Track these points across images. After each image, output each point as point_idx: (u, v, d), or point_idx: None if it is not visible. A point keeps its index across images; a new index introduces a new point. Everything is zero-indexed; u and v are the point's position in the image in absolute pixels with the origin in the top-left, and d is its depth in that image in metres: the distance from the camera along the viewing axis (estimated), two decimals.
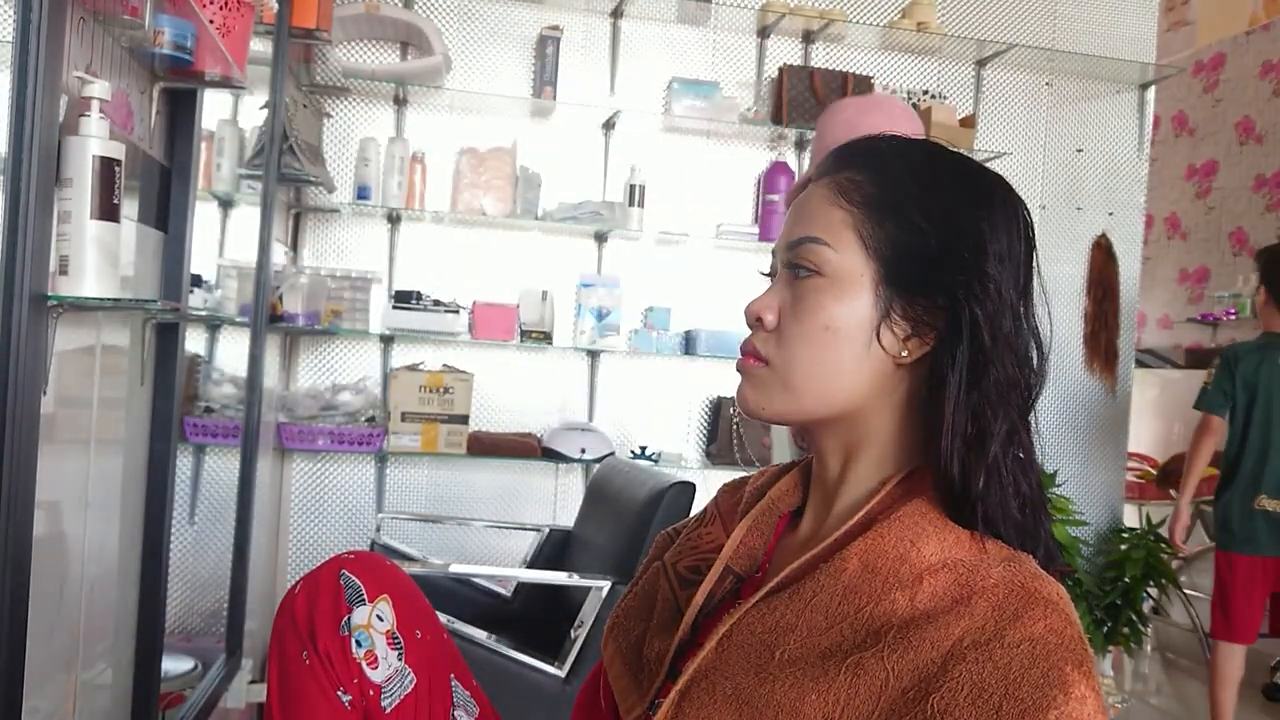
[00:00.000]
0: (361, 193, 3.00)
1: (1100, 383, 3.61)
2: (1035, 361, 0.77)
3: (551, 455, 3.06)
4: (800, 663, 0.71)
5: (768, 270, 0.85)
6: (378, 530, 2.91)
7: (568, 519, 2.86)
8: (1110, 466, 3.65)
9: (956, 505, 0.74)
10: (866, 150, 0.81)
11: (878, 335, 0.76)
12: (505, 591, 2.57)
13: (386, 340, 3.12)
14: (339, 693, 1.02)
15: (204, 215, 2.13)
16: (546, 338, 3.08)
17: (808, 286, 0.78)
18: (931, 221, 0.76)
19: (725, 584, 0.86)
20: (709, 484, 2.93)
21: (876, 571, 0.72)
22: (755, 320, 0.81)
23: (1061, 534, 3.27)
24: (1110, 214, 3.63)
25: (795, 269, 0.79)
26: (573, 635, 2.05)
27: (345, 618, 1.03)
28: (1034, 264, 0.79)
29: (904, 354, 0.77)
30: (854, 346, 0.77)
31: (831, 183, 0.80)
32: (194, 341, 2.52)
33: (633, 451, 3.18)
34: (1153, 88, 3.62)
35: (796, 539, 0.85)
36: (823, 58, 3.38)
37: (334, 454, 3.06)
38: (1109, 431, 3.64)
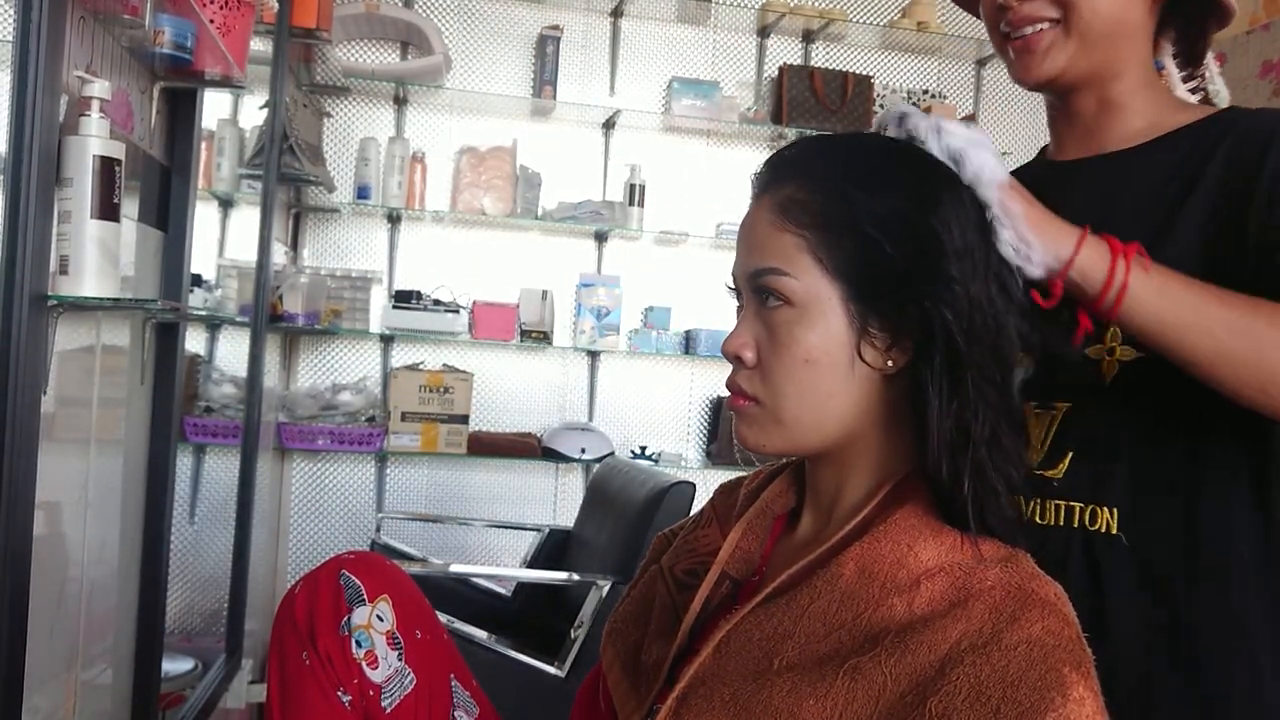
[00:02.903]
0: (361, 192, 3.00)
1: None
2: (1020, 341, 0.76)
3: (551, 455, 3.06)
4: (798, 669, 0.71)
5: (732, 285, 0.84)
6: (378, 530, 2.91)
7: (568, 519, 2.86)
8: None
9: (948, 508, 0.74)
10: (799, 159, 0.79)
11: (859, 353, 0.75)
12: (505, 591, 2.57)
13: (386, 340, 3.12)
14: (339, 693, 1.02)
15: (204, 215, 2.13)
16: (546, 338, 3.08)
17: (779, 319, 0.76)
18: (883, 231, 0.74)
19: (722, 589, 0.85)
20: (709, 484, 2.92)
21: (873, 577, 0.72)
22: (735, 359, 0.80)
23: None
24: None
25: (762, 299, 0.78)
26: (573, 635, 2.05)
27: (345, 618, 1.03)
28: (993, 244, 0.77)
29: (889, 364, 0.76)
30: (837, 371, 0.75)
31: (772, 203, 0.78)
32: (194, 341, 2.52)
33: (633, 451, 3.18)
34: None
35: (793, 542, 0.84)
36: (823, 57, 3.38)
37: (334, 454, 3.06)
38: None
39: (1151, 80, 0.96)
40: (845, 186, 0.76)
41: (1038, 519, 0.92)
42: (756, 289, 0.78)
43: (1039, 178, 0.94)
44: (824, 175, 0.77)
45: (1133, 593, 0.87)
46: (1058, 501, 0.91)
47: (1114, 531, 0.88)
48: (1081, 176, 0.96)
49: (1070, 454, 0.91)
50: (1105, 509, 0.89)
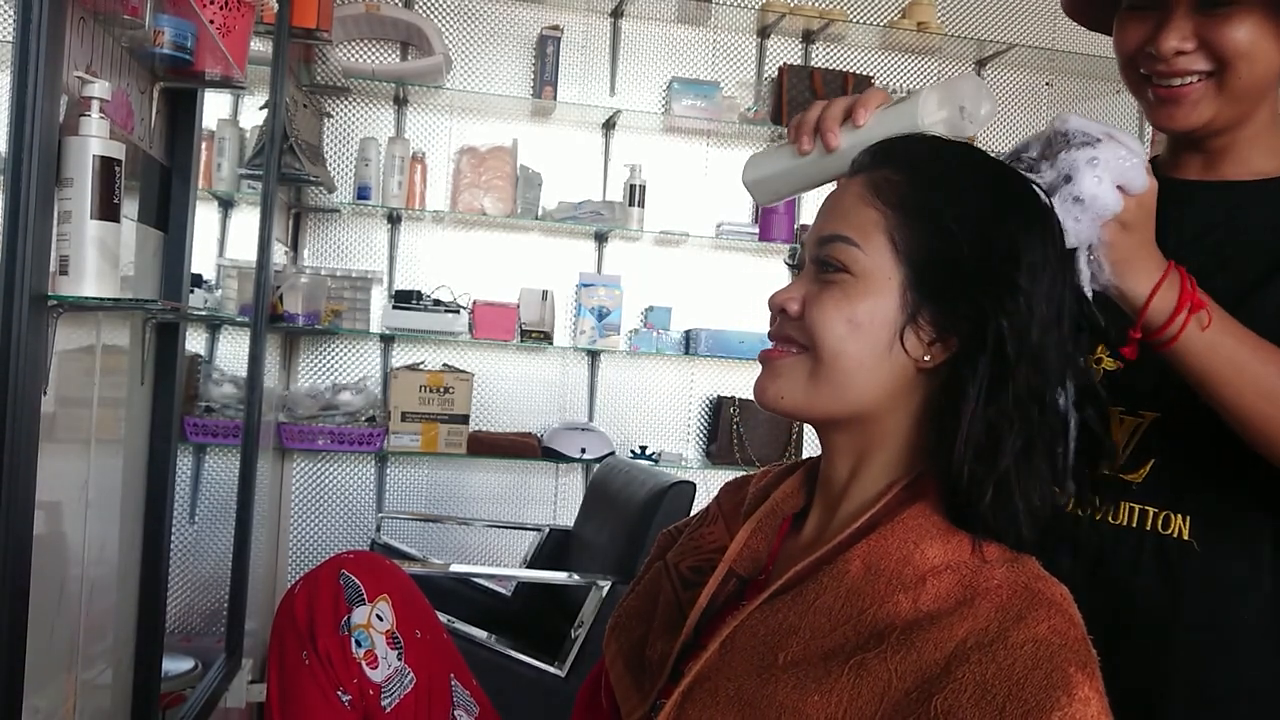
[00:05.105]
0: (361, 193, 3.00)
1: None
2: (1070, 375, 0.75)
3: (551, 455, 3.06)
4: (803, 664, 0.71)
5: (794, 261, 0.84)
6: (378, 530, 2.91)
7: (568, 519, 2.86)
8: None
9: (960, 511, 0.73)
10: (904, 149, 0.80)
11: (901, 337, 0.75)
12: (505, 591, 2.57)
13: (386, 340, 3.12)
14: (339, 692, 1.02)
15: (204, 215, 2.13)
16: (546, 338, 3.08)
17: (834, 281, 0.77)
18: (965, 228, 0.74)
19: (729, 586, 0.85)
20: (709, 484, 2.93)
21: (880, 573, 0.72)
22: (779, 311, 0.80)
23: None
24: None
25: (823, 265, 0.78)
26: (573, 635, 2.05)
27: (345, 617, 1.03)
28: (1067, 280, 0.77)
29: (926, 358, 0.76)
30: (876, 346, 0.75)
31: (867, 180, 0.79)
32: (194, 341, 2.52)
33: (633, 451, 3.18)
34: None
35: (800, 541, 0.84)
36: (823, 57, 3.38)
37: (334, 454, 3.06)
38: None
39: (1275, 122, 0.95)
40: (941, 180, 0.77)
41: (1110, 519, 0.93)
42: (822, 257, 0.78)
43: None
44: (923, 165, 0.78)
45: (1199, 598, 0.89)
46: (1132, 505, 0.93)
47: (1186, 538, 0.90)
48: (1202, 198, 0.96)
49: (1152, 461, 0.92)
50: (1179, 515, 0.90)
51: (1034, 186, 0.77)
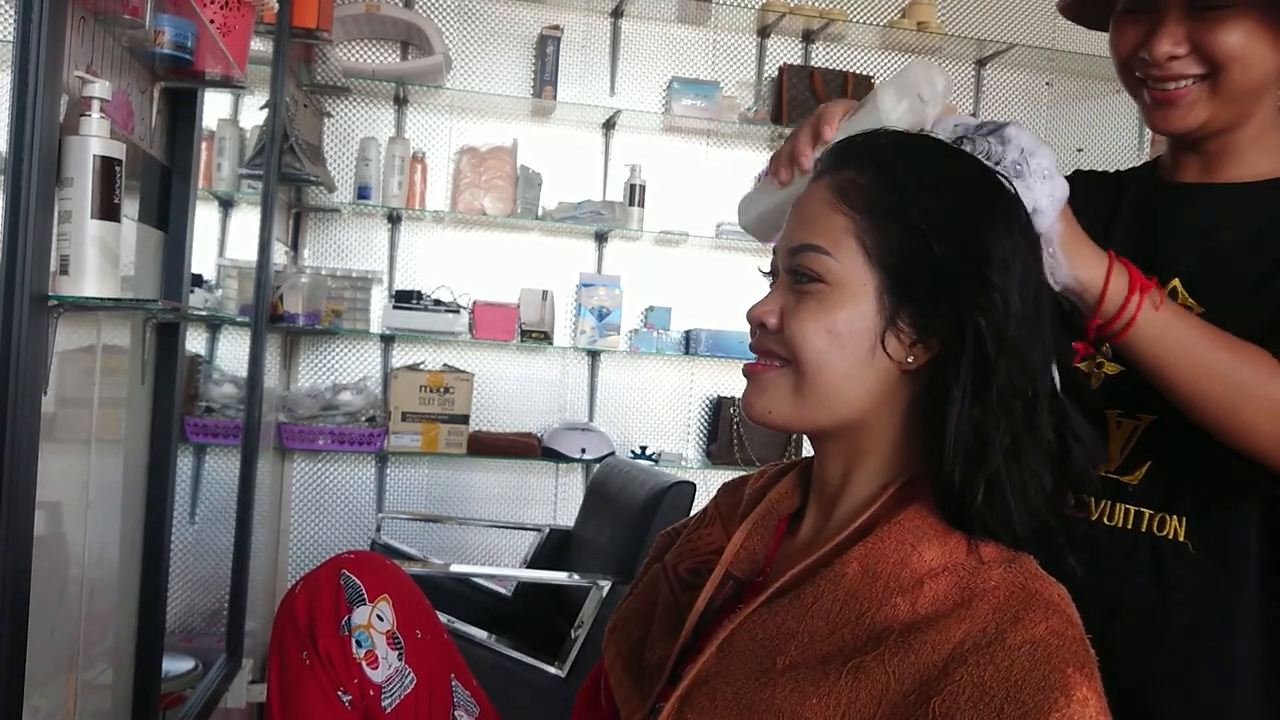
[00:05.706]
0: (362, 192, 3.00)
1: None
2: (1049, 365, 0.75)
3: (551, 455, 3.06)
4: (801, 668, 0.71)
5: (768, 269, 0.84)
6: (378, 530, 2.91)
7: (568, 519, 2.86)
8: None
9: (954, 512, 0.73)
10: (866, 148, 0.79)
11: (882, 343, 0.75)
12: (505, 591, 2.57)
13: (387, 340, 3.12)
14: (339, 693, 1.02)
15: (204, 215, 2.14)
16: (546, 338, 3.08)
17: (810, 292, 0.76)
18: (934, 227, 0.73)
19: (726, 589, 0.85)
20: (709, 484, 2.93)
21: (877, 576, 0.72)
22: (758, 325, 0.80)
23: None
24: None
25: (797, 274, 0.77)
26: (573, 635, 2.05)
27: (345, 618, 1.03)
28: (1041, 267, 0.77)
29: (909, 360, 0.75)
30: (858, 354, 0.75)
31: (831, 184, 0.78)
32: (194, 341, 2.52)
33: (633, 451, 3.18)
34: None
35: (797, 543, 0.84)
36: (823, 57, 3.38)
37: (334, 454, 3.06)
38: None
39: (1275, 122, 0.95)
40: (905, 178, 0.76)
41: (1105, 520, 0.95)
42: (795, 267, 0.77)
43: (1150, 195, 1.00)
44: (887, 165, 0.77)
45: (1193, 599, 0.90)
46: (1128, 506, 0.94)
47: (1181, 539, 0.91)
48: (1201, 200, 0.96)
49: (1148, 463, 0.94)
50: (1174, 517, 0.92)
51: (995, 174, 0.77)
